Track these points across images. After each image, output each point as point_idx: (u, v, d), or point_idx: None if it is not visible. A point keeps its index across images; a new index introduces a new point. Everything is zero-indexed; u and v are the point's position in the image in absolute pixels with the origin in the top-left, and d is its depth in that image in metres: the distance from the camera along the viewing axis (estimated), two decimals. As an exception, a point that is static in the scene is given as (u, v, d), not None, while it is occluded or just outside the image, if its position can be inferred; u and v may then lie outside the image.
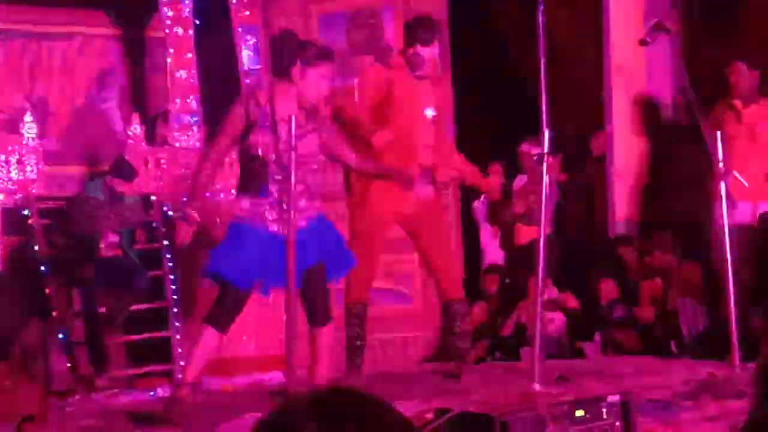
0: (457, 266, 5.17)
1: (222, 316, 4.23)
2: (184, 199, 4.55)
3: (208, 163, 4.22)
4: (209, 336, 4.20)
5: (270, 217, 4.17)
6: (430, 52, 4.84)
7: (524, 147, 6.90)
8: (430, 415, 3.14)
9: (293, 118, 4.00)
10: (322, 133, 4.25)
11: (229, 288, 4.21)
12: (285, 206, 4.08)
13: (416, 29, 4.84)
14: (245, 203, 4.19)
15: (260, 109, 4.18)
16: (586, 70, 6.98)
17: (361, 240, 4.70)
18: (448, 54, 6.64)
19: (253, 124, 4.15)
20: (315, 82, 4.17)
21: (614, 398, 3.03)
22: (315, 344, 4.31)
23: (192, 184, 4.32)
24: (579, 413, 2.94)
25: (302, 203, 4.13)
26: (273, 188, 4.15)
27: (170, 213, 6.73)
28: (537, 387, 3.71)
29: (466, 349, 5.08)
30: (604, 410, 2.99)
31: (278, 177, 4.14)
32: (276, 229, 4.16)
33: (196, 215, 4.21)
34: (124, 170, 6.52)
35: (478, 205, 7.38)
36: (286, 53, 4.26)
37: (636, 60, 6.89)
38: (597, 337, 6.16)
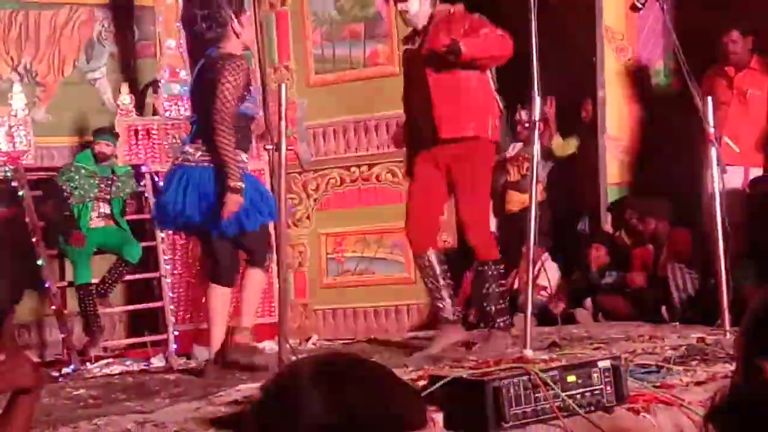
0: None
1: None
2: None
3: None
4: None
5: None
6: (413, 5, 4.77)
7: (517, 114, 6.88)
8: (423, 382, 3.16)
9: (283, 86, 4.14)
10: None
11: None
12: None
13: None
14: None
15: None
16: (578, 35, 6.95)
17: None
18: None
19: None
20: (249, 26, 4.52)
21: (605, 363, 3.05)
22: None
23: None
24: (570, 378, 2.96)
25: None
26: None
27: (160, 183, 6.72)
28: (529, 353, 3.72)
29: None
30: (595, 375, 3.01)
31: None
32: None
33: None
34: (108, 132, 6.53)
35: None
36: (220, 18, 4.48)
37: (628, 25, 6.86)
38: (588, 303, 6.19)
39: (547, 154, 6.81)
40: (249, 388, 3.88)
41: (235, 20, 4.49)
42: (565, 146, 6.98)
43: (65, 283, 6.55)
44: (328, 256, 7.05)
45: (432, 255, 4.80)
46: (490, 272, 4.74)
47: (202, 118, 4.53)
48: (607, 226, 6.71)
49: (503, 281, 4.82)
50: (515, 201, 6.98)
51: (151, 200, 6.69)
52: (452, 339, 4.77)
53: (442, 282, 4.78)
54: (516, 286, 6.57)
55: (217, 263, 4.67)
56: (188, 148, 4.59)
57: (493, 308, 4.74)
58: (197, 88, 4.69)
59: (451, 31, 4.62)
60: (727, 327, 4.32)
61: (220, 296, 4.64)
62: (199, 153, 4.51)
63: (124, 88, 6.89)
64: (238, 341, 4.42)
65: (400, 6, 4.81)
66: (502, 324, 4.75)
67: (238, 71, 4.44)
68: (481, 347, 4.68)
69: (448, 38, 4.52)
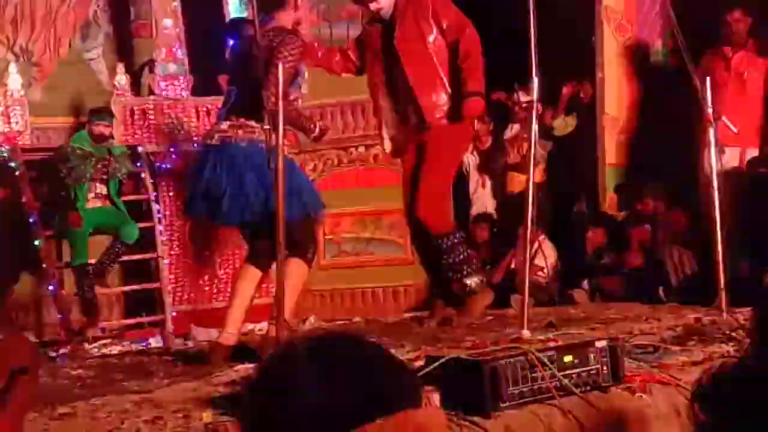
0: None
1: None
2: None
3: None
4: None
5: None
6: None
7: (515, 95, 6.87)
8: (420, 362, 3.16)
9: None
10: None
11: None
12: None
13: None
14: None
15: None
16: (577, 16, 6.92)
17: None
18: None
19: None
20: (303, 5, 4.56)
21: (602, 343, 3.05)
22: None
23: None
24: (567, 358, 2.96)
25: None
26: None
27: (157, 164, 6.71)
28: (526, 333, 3.73)
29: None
30: (592, 355, 3.01)
31: None
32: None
33: None
34: (104, 113, 6.51)
35: (468, 155, 7.36)
36: None
37: (627, 5, 6.84)
38: (585, 283, 6.21)
39: (547, 132, 6.80)
40: (246, 368, 3.88)
41: None
42: (565, 125, 6.99)
43: (62, 264, 6.55)
44: (326, 236, 7.04)
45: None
46: (445, 244, 4.82)
47: (245, 91, 4.29)
48: (606, 206, 6.72)
49: (462, 248, 4.89)
50: (516, 182, 6.98)
51: (148, 180, 6.68)
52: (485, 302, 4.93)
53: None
54: (513, 266, 6.59)
55: (254, 244, 4.51)
56: (224, 126, 4.36)
57: (460, 275, 4.84)
58: (241, 58, 4.41)
59: (418, 19, 4.70)
60: (724, 307, 4.32)
61: (249, 276, 4.47)
62: (241, 130, 4.30)
63: (120, 68, 6.86)
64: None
65: (373, 6, 4.79)
66: (474, 285, 4.84)
67: (296, 50, 4.31)
68: (459, 319, 4.82)
69: (420, 41, 4.70)
